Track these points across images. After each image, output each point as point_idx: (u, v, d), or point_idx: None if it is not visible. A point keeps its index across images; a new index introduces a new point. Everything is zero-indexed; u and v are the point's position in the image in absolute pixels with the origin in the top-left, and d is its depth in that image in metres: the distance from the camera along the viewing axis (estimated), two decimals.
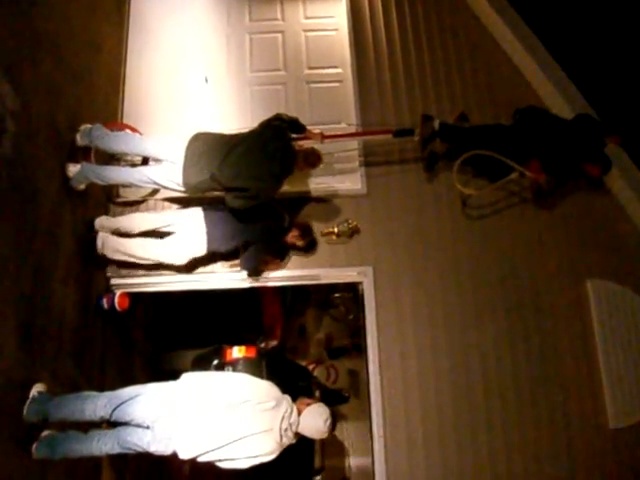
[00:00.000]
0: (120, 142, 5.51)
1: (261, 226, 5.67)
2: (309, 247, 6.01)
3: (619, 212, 6.29)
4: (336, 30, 7.06)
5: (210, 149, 5.29)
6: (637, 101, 6.93)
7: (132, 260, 5.66)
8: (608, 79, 6.99)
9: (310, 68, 6.95)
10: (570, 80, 6.45)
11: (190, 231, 5.55)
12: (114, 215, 5.93)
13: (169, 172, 5.33)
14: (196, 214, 5.61)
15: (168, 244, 5.61)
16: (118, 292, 5.65)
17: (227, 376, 4.69)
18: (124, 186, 5.99)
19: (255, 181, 5.36)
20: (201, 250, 5.59)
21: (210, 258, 5.88)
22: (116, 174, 5.54)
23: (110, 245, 5.59)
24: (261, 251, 5.72)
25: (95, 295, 5.65)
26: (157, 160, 5.54)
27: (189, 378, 4.54)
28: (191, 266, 5.87)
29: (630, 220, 6.28)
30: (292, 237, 5.82)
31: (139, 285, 6.01)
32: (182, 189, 5.38)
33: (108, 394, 4.52)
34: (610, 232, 6.25)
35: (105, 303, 5.59)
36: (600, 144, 5.98)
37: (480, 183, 6.22)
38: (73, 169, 5.29)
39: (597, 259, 6.15)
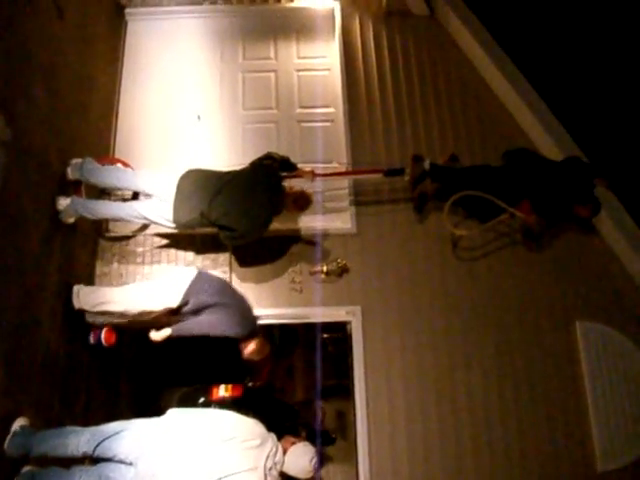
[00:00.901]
0: (112, 176, 5.52)
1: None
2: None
3: (608, 254, 6.30)
4: (328, 70, 7.14)
5: (200, 187, 5.30)
6: (625, 144, 6.97)
7: (109, 309, 5.34)
8: (597, 122, 7.03)
9: (302, 107, 7.02)
10: (560, 123, 6.51)
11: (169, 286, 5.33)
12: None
13: (160, 208, 5.33)
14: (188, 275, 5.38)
15: (143, 290, 5.37)
16: (105, 327, 5.59)
17: (212, 413, 4.63)
18: (114, 220, 5.96)
19: (243, 221, 5.36)
20: (174, 303, 5.24)
21: None
22: (106, 208, 5.53)
23: (85, 296, 5.36)
24: (219, 326, 5.28)
25: (81, 329, 5.58)
26: (148, 195, 5.53)
27: (174, 414, 4.49)
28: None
29: (619, 262, 6.28)
30: (248, 351, 5.50)
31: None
32: (172, 225, 5.38)
33: (91, 429, 4.46)
34: (599, 274, 6.25)
35: (92, 338, 5.51)
36: (589, 186, 6.01)
37: (471, 224, 6.24)
38: (63, 202, 5.28)
39: (586, 301, 6.15)
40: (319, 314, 6.10)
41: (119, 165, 5.92)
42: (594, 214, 6.09)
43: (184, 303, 5.19)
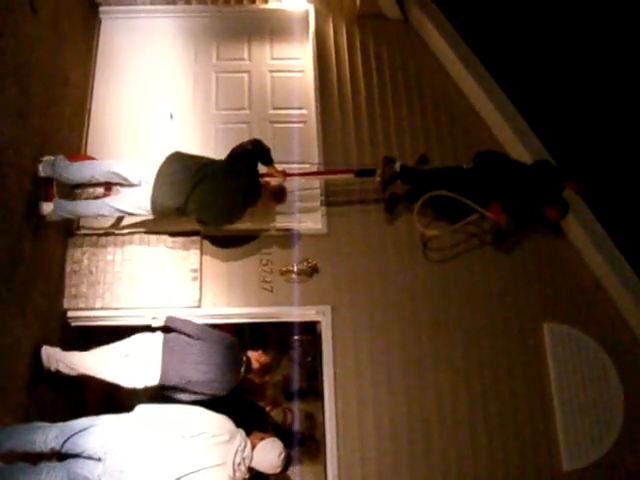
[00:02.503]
0: (87, 168, 5.59)
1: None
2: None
3: (576, 257, 6.36)
4: (302, 72, 7.16)
5: (179, 180, 5.40)
6: (594, 148, 7.06)
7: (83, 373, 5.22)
8: (567, 126, 7.12)
9: (275, 108, 7.03)
10: (530, 127, 6.58)
11: (145, 359, 5.03)
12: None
13: (135, 198, 5.46)
14: (155, 341, 5.13)
15: (122, 367, 5.04)
16: None
17: (181, 408, 4.63)
18: (90, 217, 5.98)
19: (219, 215, 5.62)
20: (153, 380, 4.95)
21: None
22: (87, 209, 5.64)
23: (57, 359, 5.23)
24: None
25: (51, 328, 5.58)
26: (122, 184, 5.62)
27: (143, 410, 4.50)
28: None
29: (586, 265, 6.34)
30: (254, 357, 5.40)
31: (97, 319, 5.98)
32: (149, 213, 5.49)
33: (60, 425, 4.45)
34: (567, 276, 6.31)
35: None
36: (558, 188, 6.09)
37: (440, 225, 6.27)
38: (47, 208, 5.38)
39: (554, 303, 6.20)
40: (289, 313, 6.12)
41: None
42: (562, 216, 6.17)
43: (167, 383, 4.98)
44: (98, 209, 5.57)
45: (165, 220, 5.89)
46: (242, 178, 5.57)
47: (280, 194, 5.83)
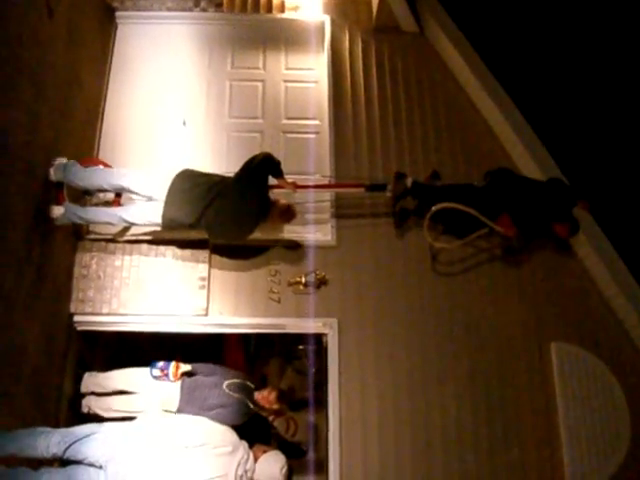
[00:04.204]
0: (98, 176, 5.57)
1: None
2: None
3: (585, 276, 6.34)
4: (316, 82, 7.16)
5: (193, 200, 5.38)
6: (606, 167, 7.04)
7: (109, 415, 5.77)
8: (580, 144, 7.11)
9: (288, 118, 7.03)
10: (543, 144, 6.55)
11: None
12: None
13: (146, 213, 5.45)
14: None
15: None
16: None
17: (184, 418, 4.64)
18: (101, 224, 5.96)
19: (230, 232, 5.68)
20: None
21: None
22: (97, 215, 5.62)
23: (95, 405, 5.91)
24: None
25: (57, 331, 5.58)
26: (132, 194, 5.64)
27: (146, 418, 4.48)
28: None
29: (595, 284, 6.31)
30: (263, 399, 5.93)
31: (103, 324, 5.97)
32: (158, 226, 5.52)
33: (62, 431, 4.44)
34: (576, 296, 6.28)
35: None
36: (569, 205, 6.08)
37: (450, 239, 6.25)
38: (57, 212, 5.37)
39: (562, 322, 6.17)
40: (296, 325, 6.11)
41: (101, 167, 5.92)
42: (572, 233, 6.16)
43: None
44: (107, 217, 5.56)
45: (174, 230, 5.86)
46: (253, 195, 5.53)
47: (287, 214, 5.75)
